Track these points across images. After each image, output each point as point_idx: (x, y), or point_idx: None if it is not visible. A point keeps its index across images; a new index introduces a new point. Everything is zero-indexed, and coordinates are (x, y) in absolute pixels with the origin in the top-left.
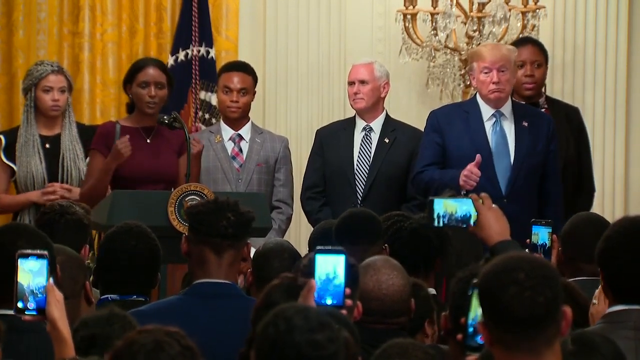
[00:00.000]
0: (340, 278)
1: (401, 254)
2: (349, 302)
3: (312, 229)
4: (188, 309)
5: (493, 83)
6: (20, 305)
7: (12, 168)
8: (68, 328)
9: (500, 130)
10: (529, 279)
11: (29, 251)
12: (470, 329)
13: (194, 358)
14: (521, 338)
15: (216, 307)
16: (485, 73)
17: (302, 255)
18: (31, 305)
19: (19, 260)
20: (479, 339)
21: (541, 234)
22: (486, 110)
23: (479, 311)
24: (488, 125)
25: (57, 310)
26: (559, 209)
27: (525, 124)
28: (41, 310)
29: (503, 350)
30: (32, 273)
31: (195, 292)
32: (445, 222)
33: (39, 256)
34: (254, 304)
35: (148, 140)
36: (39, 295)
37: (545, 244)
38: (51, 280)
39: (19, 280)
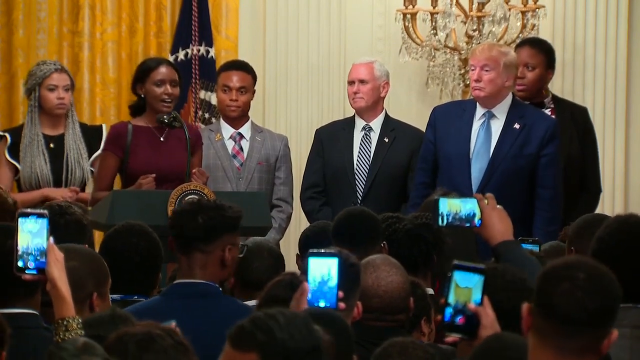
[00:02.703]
0: (334, 281)
1: (399, 254)
2: (342, 305)
3: None
4: (164, 309)
5: (474, 80)
6: (20, 264)
7: (16, 167)
8: (68, 287)
9: (486, 131)
10: (587, 282)
11: (30, 210)
12: (450, 310)
13: (186, 353)
14: (556, 334)
15: (191, 308)
16: (472, 70)
17: (285, 253)
18: (31, 264)
19: (19, 220)
20: (458, 320)
21: None
22: (480, 110)
23: (455, 292)
24: (477, 125)
25: (57, 270)
26: (551, 214)
27: (517, 127)
28: (41, 269)
29: (537, 339)
30: (32, 233)
31: (171, 292)
32: (450, 221)
33: (39, 215)
34: (231, 302)
35: (162, 139)
36: (39, 255)
37: None
38: (51, 239)
39: (19, 240)
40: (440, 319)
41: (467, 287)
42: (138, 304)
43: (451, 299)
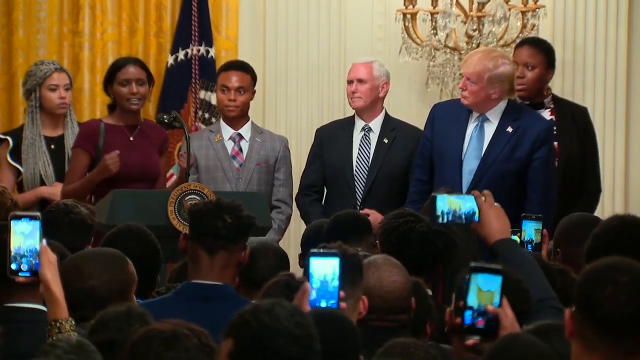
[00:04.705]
0: (335, 280)
1: (407, 254)
2: (343, 305)
3: (306, 225)
4: (175, 309)
5: (460, 88)
6: (13, 267)
7: (18, 169)
8: (61, 289)
9: (479, 133)
10: (631, 285)
11: (22, 213)
12: (470, 313)
13: (210, 355)
14: (601, 338)
15: (204, 309)
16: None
17: (289, 253)
18: (24, 267)
19: (11, 223)
20: (478, 323)
21: (528, 230)
22: (475, 112)
23: (478, 295)
24: (471, 127)
25: (50, 272)
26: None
27: (510, 130)
28: (34, 271)
29: (581, 344)
30: (24, 234)
31: (185, 291)
32: (449, 219)
33: (32, 218)
34: (245, 305)
35: (131, 138)
36: (32, 257)
37: (532, 240)
38: (44, 241)
39: (11, 242)
40: (460, 322)
41: (489, 290)
42: (150, 300)
43: (473, 301)
